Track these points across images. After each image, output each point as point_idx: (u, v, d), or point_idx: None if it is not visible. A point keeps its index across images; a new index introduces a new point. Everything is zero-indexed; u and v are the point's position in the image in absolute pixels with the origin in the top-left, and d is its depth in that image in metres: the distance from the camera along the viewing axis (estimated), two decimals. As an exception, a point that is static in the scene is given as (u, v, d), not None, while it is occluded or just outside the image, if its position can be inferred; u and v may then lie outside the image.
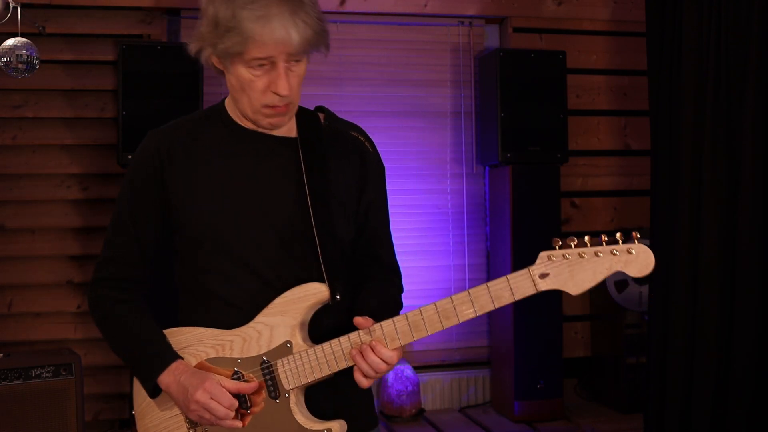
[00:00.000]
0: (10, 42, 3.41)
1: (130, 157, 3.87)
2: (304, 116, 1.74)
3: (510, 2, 4.62)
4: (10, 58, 3.41)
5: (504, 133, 4.27)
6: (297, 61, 1.61)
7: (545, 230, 4.28)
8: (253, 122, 1.68)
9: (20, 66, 3.43)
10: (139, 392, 1.77)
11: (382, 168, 1.81)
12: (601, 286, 4.51)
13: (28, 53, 3.43)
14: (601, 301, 4.58)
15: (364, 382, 1.60)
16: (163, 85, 3.93)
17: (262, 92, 1.61)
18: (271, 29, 1.53)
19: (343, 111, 4.64)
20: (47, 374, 3.49)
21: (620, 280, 4.39)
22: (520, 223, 4.27)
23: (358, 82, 4.48)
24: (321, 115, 1.77)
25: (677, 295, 3.45)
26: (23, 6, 3.53)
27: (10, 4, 3.44)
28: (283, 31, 1.54)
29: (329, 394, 1.69)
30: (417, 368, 4.43)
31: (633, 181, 4.82)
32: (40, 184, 4.13)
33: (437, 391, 4.58)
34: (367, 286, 1.74)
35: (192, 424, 1.69)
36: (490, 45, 4.71)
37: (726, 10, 3.29)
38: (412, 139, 4.55)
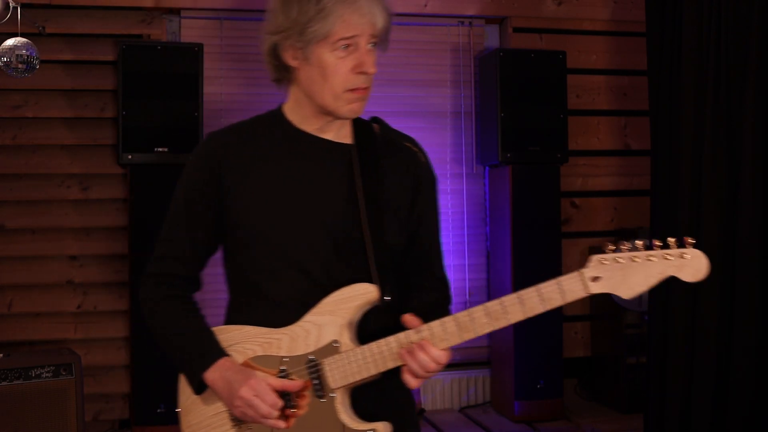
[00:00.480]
0: (10, 42, 3.41)
1: (130, 157, 3.89)
2: (359, 125, 1.78)
3: (510, 2, 4.62)
4: (10, 58, 3.41)
5: (504, 133, 4.27)
6: (373, 46, 1.65)
7: (545, 230, 4.28)
8: (332, 112, 1.68)
9: (20, 66, 3.43)
10: (184, 389, 1.80)
11: (434, 179, 1.84)
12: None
13: (28, 53, 3.43)
14: (601, 301, 4.58)
15: (413, 383, 1.61)
16: (163, 85, 3.93)
17: (346, 75, 1.64)
18: (359, 7, 1.61)
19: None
20: (47, 374, 3.49)
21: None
22: (520, 223, 4.27)
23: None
24: (375, 126, 1.80)
25: (677, 295, 3.45)
26: (23, 6, 3.53)
27: (10, 4, 3.44)
28: (369, 11, 1.62)
29: (375, 396, 1.68)
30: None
31: (633, 181, 4.82)
32: (40, 184, 4.13)
33: (437, 391, 4.59)
34: (417, 293, 1.76)
35: (236, 421, 1.69)
36: (490, 45, 4.71)
37: (726, 10, 3.29)
38: (412, 139, 4.55)
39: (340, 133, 1.74)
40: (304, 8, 1.60)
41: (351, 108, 1.67)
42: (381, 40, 1.68)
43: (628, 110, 4.82)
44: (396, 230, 1.72)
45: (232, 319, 1.77)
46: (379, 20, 1.63)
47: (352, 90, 1.65)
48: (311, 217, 1.68)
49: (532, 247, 4.25)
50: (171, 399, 4.32)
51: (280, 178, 1.70)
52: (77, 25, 4.12)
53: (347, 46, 1.62)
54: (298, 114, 1.74)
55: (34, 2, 3.94)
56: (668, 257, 1.51)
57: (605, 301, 4.48)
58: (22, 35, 3.46)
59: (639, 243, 1.53)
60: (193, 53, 3.97)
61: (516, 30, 4.64)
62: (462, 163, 4.66)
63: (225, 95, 4.40)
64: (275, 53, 1.68)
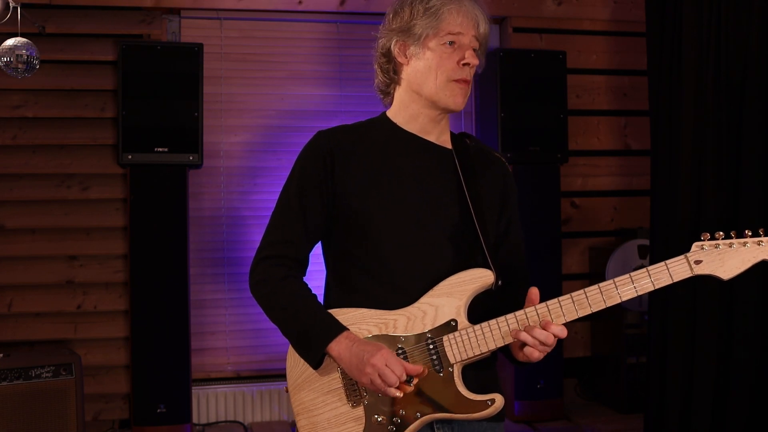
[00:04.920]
0: (10, 42, 3.41)
1: (130, 157, 3.89)
2: (453, 135, 1.95)
3: (510, 2, 4.62)
4: (10, 58, 3.41)
5: (504, 133, 4.27)
6: (475, 50, 1.85)
7: (545, 230, 4.28)
8: (436, 102, 1.85)
9: (20, 66, 3.43)
10: (295, 366, 1.86)
11: (516, 189, 2.02)
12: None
13: (28, 53, 3.43)
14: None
15: (538, 356, 1.73)
16: (163, 85, 3.93)
17: (452, 66, 1.83)
18: (464, 8, 1.84)
19: (343, 111, 4.67)
20: (47, 374, 3.49)
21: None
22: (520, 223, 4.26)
23: (358, 82, 4.48)
24: (467, 139, 1.97)
25: (677, 295, 3.45)
26: (23, 6, 3.53)
27: (10, 4, 3.44)
28: (473, 13, 1.85)
29: (482, 377, 1.81)
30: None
31: (633, 181, 4.82)
32: (40, 184, 4.13)
33: (437, 391, 4.58)
34: (514, 287, 1.88)
35: (352, 396, 1.79)
36: (490, 45, 4.70)
37: (726, 10, 3.29)
38: (412, 139, 4.55)
39: (441, 138, 1.92)
40: (415, 9, 1.84)
41: (455, 100, 1.84)
42: (481, 51, 1.89)
43: (628, 110, 4.82)
44: (492, 227, 1.89)
45: (342, 302, 1.85)
46: (482, 24, 1.86)
47: (456, 81, 1.83)
48: (423, 207, 1.83)
49: (532, 247, 4.22)
50: (171, 399, 4.35)
51: (389, 173, 1.85)
52: (77, 25, 4.12)
53: (452, 42, 1.83)
54: (402, 116, 1.91)
55: (34, 2, 3.94)
56: (762, 243, 1.70)
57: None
58: (22, 35, 3.45)
59: (732, 233, 1.74)
60: (193, 53, 3.97)
61: (516, 30, 4.64)
62: (462, 163, 4.65)
63: (225, 95, 4.40)
64: (388, 54, 1.89)
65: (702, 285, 3.36)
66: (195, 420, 4.24)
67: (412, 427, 1.75)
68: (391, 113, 1.93)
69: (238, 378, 4.37)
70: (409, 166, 1.86)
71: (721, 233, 1.72)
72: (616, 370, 4.42)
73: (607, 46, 4.79)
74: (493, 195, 1.91)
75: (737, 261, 1.70)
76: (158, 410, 3.86)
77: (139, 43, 4.02)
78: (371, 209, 1.82)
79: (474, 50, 1.85)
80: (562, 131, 4.36)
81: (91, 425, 4.07)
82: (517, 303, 1.78)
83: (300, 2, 4.36)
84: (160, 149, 3.92)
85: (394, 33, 1.87)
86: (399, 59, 1.87)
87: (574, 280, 4.66)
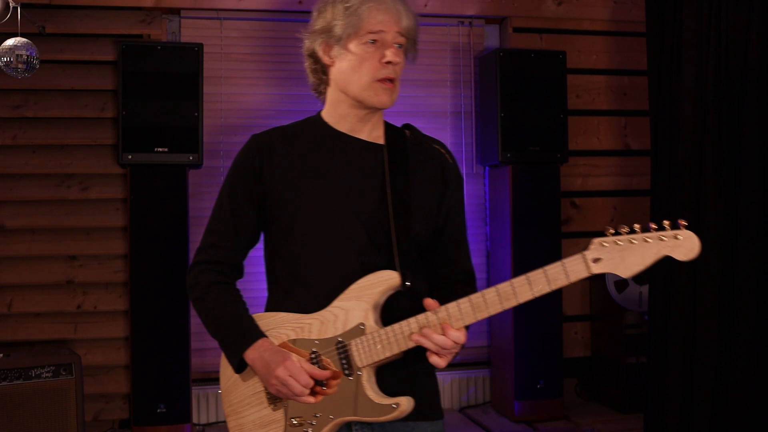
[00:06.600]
0: (10, 42, 3.41)
1: (130, 157, 3.89)
2: (391, 129, 1.95)
3: (510, 2, 4.62)
4: (10, 58, 3.41)
5: (504, 133, 4.27)
6: (400, 46, 1.84)
7: (545, 230, 4.28)
8: (362, 101, 1.86)
9: (20, 66, 3.43)
10: (225, 371, 1.92)
11: (461, 179, 1.99)
12: (602, 286, 4.51)
13: (28, 53, 3.43)
14: (601, 301, 4.58)
15: (439, 362, 1.74)
16: (163, 85, 3.93)
17: (374, 66, 1.82)
18: (385, 5, 1.82)
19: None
20: (47, 374, 3.49)
21: (620, 281, 4.39)
22: (520, 223, 4.27)
23: (357, 82, 4.48)
24: (407, 131, 1.97)
25: (677, 295, 3.45)
26: (23, 6, 3.53)
27: (10, 4, 3.44)
28: (394, 8, 1.82)
29: (399, 376, 1.82)
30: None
31: (633, 181, 4.82)
32: (40, 184, 4.13)
33: (437, 391, 4.58)
34: (444, 283, 1.91)
35: (273, 400, 1.84)
36: (490, 45, 4.71)
37: (726, 10, 3.29)
38: (412, 139, 4.55)
39: (373, 134, 1.92)
40: (336, 9, 1.83)
41: (379, 99, 1.85)
42: (409, 44, 1.87)
43: (628, 110, 4.82)
44: (422, 223, 1.86)
45: (271, 306, 1.91)
46: (404, 18, 1.83)
47: (380, 80, 1.83)
48: (345, 208, 1.83)
49: (532, 247, 4.25)
50: (171, 399, 4.35)
51: (317, 172, 1.86)
52: (77, 25, 4.12)
53: (375, 41, 1.82)
54: (333, 115, 1.91)
55: (34, 2, 3.94)
56: (663, 238, 1.61)
57: (605, 301, 4.48)
58: (22, 35, 3.45)
59: (637, 226, 1.64)
60: (193, 53, 3.97)
61: (516, 30, 4.64)
62: (462, 163, 4.66)
63: (225, 95, 4.40)
64: (314, 56, 1.89)
65: (702, 285, 3.36)
66: (195, 420, 4.24)
67: (325, 429, 1.79)
68: (324, 113, 1.93)
69: (238, 378, 4.36)
70: (336, 165, 1.86)
71: (626, 228, 1.64)
72: (616, 370, 4.42)
73: (607, 46, 4.79)
74: (428, 188, 1.89)
75: (638, 258, 1.62)
76: (158, 410, 3.86)
77: (139, 43, 4.02)
78: (296, 210, 1.84)
79: (401, 45, 1.84)
80: (562, 131, 4.36)
81: (91, 425, 4.07)
82: (453, 298, 1.76)
83: (300, 2, 4.36)
84: (160, 149, 3.92)
85: (317, 34, 1.86)
86: (324, 60, 1.87)
87: (574, 280, 4.66)
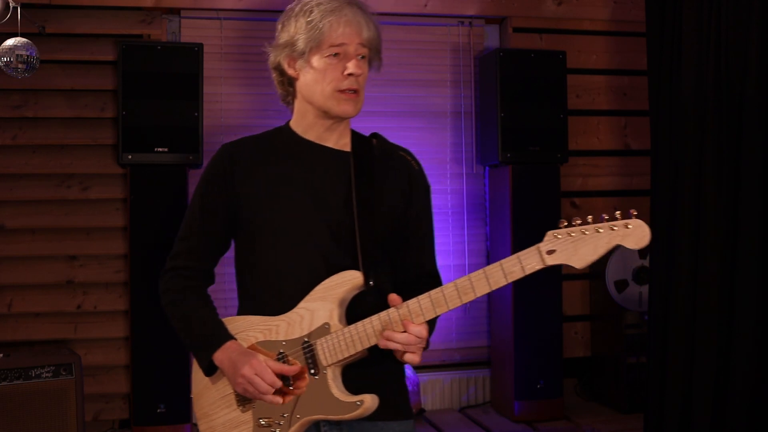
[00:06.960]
0: (10, 42, 3.41)
1: (130, 157, 3.89)
2: (357, 138, 1.99)
3: (510, 2, 4.62)
4: (10, 58, 3.41)
5: (504, 133, 4.27)
6: (363, 57, 1.87)
7: (545, 230, 4.27)
8: (327, 111, 1.89)
9: (20, 66, 3.43)
10: (196, 375, 1.97)
11: (428, 185, 2.03)
12: (602, 286, 4.50)
13: (28, 53, 3.43)
14: (601, 301, 4.58)
15: (413, 358, 1.77)
16: (163, 85, 3.93)
17: (336, 78, 1.85)
18: (345, 18, 1.84)
19: (343, 111, 4.63)
20: (47, 374, 3.49)
21: (620, 280, 4.39)
22: (520, 224, 4.27)
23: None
24: (374, 140, 2.01)
25: (677, 295, 3.45)
26: (23, 6, 3.53)
27: (10, 4, 3.44)
28: (355, 21, 1.85)
29: (367, 378, 1.85)
30: (417, 368, 4.43)
31: (633, 181, 4.82)
32: (40, 184, 4.13)
33: (437, 391, 4.59)
34: (409, 285, 1.93)
35: (242, 401, 1.88)
36: (490, 45, 4.71)
37: (726, 10, 3.29)
38: (411, 139, 4.54)
39: (339, 142, 1.95)
40: (299, 24, 1.86)
41: (342, 108, 1.88)
42: (372, 54, 1.90)
43: (628, 110, 4.82)
44: (387, 226, 1.91)
45: (242, 312, 1.95)
46: (365, 30, 1.86)
47: (341, 91, 1.86)
48: (312, 213, 1.88)
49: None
50: (171, 399, 4.35)
51: (284, 179, 1.90)
52: (77, 25, 4.12)
53: (337, 54, 1.85)
54: (301, 125, 1.95)
55: (34, 2, 3.94)
56: (614, 228, 1.64)
57: (605, 301, 4.48)
58: (22, 35, 3.45)
59: (590, 218, 1.68)
60: (193, 53, 3.97)
61: (516, 30, 4.64)
62: (462, 163, 4.66)
63: (225, 95, 4.40)
64: (279, 68, 1.92)
65: (702, 285, 3.36)
66: (195, 420, 4.24)
67: (293, 429, 1.82)
68: (293, 123, 1.98)
69: (238, 378, 4.36)
70: (304, 172, 1.90)
71: (579, 219, 1.67)
72: (616, 370, 4.42)
73: (607, 46, 4.79)
74: (394, 194, 1.93)
75: (590, 248, 1.66)
76: (158, 410, 3.86)
77: (139, 43, 4.02)
78: (263, 217, 1.88)
79: (363, 57, 1.87)
80: (562, 131, 4.36)
81: (91, 425, 4.07)
82: (416, 296, 1.80)
83: (300, 2, 4.36)
84: (160, 149, 3.92)
85: (281, 48, 1.90)
86: (290, 73, 1.91)
87: (573, 280, 4.67)
